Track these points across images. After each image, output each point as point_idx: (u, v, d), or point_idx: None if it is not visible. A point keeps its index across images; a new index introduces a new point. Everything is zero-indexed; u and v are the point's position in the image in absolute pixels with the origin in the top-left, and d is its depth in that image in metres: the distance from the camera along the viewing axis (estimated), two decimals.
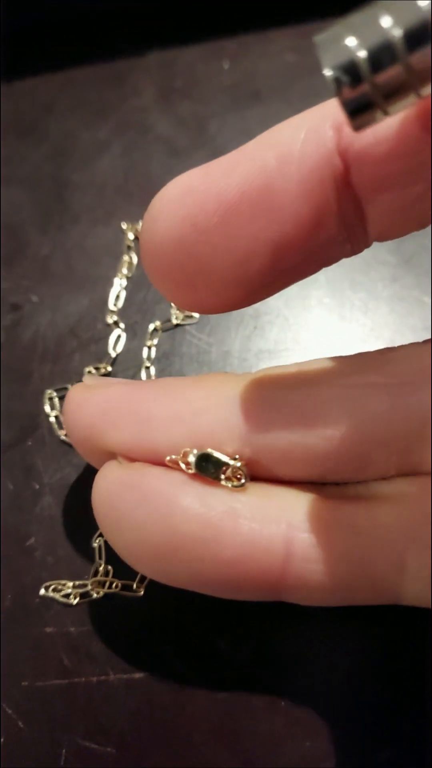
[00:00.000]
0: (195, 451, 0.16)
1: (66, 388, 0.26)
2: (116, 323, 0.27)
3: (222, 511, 0.16)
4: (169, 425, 0.17)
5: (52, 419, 0.26)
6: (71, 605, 0.23)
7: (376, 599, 0.17)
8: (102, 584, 0.23)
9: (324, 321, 0.27)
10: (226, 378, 0.18)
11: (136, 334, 0.27)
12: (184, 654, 0.22)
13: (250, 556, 0.16)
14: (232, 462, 0.16)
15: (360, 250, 0.16)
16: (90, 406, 0.18)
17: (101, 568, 0.23)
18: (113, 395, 0.18)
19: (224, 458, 0.16)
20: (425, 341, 0.18)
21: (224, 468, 0.16)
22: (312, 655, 0.22)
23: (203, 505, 0.16)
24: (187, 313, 0.27)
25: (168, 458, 0.16)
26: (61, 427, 0.25)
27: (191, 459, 0.16)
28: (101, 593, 0.23)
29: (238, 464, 0.16)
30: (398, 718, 0.21)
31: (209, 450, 0.16)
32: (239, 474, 0.17)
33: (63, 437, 0.25)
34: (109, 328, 0.27)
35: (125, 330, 0.27)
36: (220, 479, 0.16)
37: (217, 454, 0.16)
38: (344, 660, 0.22)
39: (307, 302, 0.28)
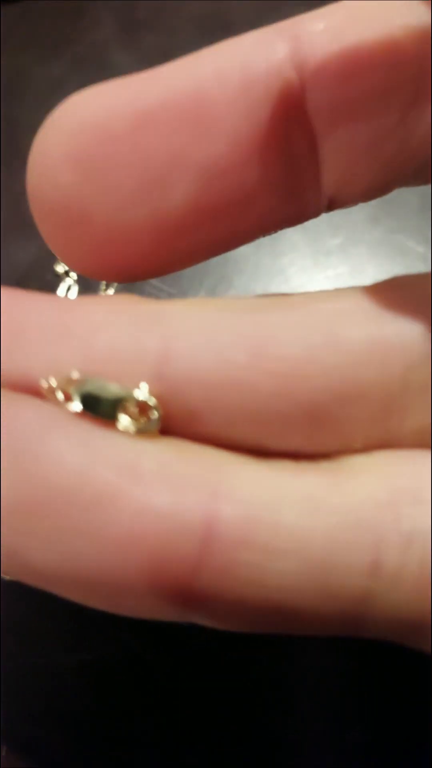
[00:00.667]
0: (79, 376, 0.11)
1: None
2: (67, 273, 0.25)
3: (116, 463, 0.10)
4: (52, 340, 0.11)
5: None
6: (22, 584, 0.21)
7: (328, 623, 0.11)
8: None
9: (297, 268, 0.25)
10: (141, 299, 0.12)
11: (89, 285, 0.25)
12: (139, 632, 0.20)
13: (153, 534, 0.10)
14: (136, 395, 0.11)
15: (306, 215, 0.13)
16: None
17: None
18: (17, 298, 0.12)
19: (124, 390, 0.11)
20: (416, 274, 0.13)
21: (124, 404, 0.11)
22: (278, 633, 0.20)
23: (87, 451, 0.10)
24: None
25: (43, 382, 0.11)
26: None
27: (73, 389, 0.10)
28: None
29: (146, 397, 0.11)
30: (368, 697, 0.19)
31: (101, 381, 0.11)
32: (147, 413, 0.11)
33: None
34: (59, 279, 0.25)
35: (77, 281, 0.25)
36: (115, 420, 0.11)
37: (113, 386, 0.11)
38: (313, 639, 0.20)
39: (279, 248, 0.25)
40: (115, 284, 0.25)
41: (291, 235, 0.25)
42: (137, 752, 0.19)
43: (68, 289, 0.24)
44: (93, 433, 0.10)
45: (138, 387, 0.11)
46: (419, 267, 0.24)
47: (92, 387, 0.10)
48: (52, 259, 0.25)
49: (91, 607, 0.11)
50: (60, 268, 0.25)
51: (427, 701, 0.19)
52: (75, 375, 0.10)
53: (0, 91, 0.30)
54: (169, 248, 0.12)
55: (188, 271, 0.25)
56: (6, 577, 0.19)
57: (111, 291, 0.24)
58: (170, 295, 0.24)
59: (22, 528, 0.10)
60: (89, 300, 0.12)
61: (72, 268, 0.13)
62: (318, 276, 0.25)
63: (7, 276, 0.25)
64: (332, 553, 0.10)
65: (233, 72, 0.11)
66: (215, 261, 0.25)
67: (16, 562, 0.10)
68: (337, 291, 0.12)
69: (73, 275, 0.25)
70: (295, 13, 0.30)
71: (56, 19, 0.32)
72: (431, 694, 0.19)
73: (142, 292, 0.25)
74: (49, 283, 0.25)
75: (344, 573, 0.10)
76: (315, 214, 0.13)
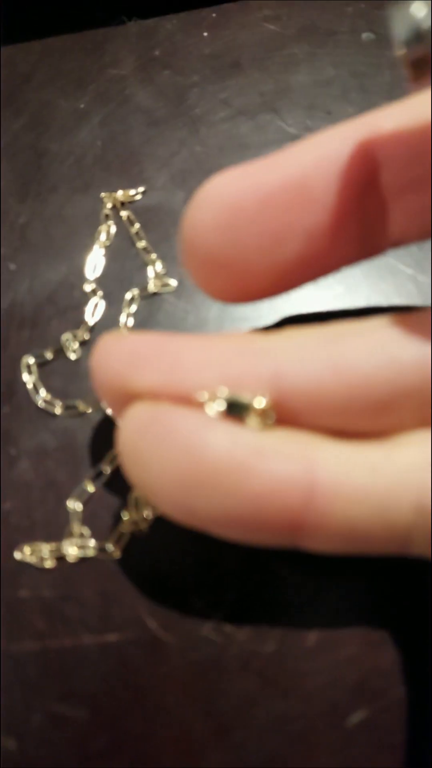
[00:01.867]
0: (223, 391, 0.17)
1: (43, 355, 0.26)
2: (94, 291, 0.27)
3: (249, 448, 0.16)
4: (199, 369, 0.17)
5: (30, 386, 0.25)
6: (46, 569, 0.23)
7: (388, 544, 0.17)
8: (77, 547, 0.23)
9: (298, 289, 0.27)
10: (254, 333, 0.19)
11: (113, 302, 0.27)
12: (159, 615, 0.22)
13: (274, 491, 0.16)
14: (259, 404, 0.17)
15: (376, 252, 0.19)
16: (119, 351, 0.18)
17: (76, 531, 0.23)
18: (143, 341, 0.18)
19: (252, 400, 0.17)
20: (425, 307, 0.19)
21: (251, 410, 0.17)
22: (287, 616, 0.22)
23: (230, 441, 0.16)
24: (165, 281, 0.27)
25: (195, 397, 0.17)
26: (37, 393, 0.25)
27: (219, 401, 0.17)
28: (76, 556, 0.23)
29: (265, 405, 0.17)
30: (374, 678, 0.21)
31: (237, 394, 0.17)
32: (267, 415, 0.17)
33: (40, 404, 0.25)
34: (86, 296, 0.27)
35: (103, 298, 0.27)
36: (245, 420, 0.17)
37: (245, 397, 0.17)
38: (320, 621, 0.22)
39: None
40: (138, 301, 0.27)
41: None
42: (158, 730, 0.21)
43: (95, 306, 0.27)
44: (232, 428, 0.16)
45: (260, 399, 0.17)
46: (408, 286, 0.27)
47: (230, 398, 0.17)
48: (80, 280, 0.27)
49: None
50: (87, 287, 0.27)
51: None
52: (221, 391, 0.17)
53: (28, 122, 0.32)
54: (281, 282, 0.19)
55: (202, 293, 0.27)
56: (69, 557, 0.22)
57: (134, 306, 0.27)
58: (186, 312, 0.27)
59: (193, 492, 0.16)
60: (220, 337, 0.19)
61: (210, 295, 0.20)
62: (317, 294, 0.27)
63: (39, 293, 0.27)
64: (389, 500, 0.16)
65: (328, 160, 0.17)
66: None
67: (189, 515, 0.17)
68: (386, 320, 0.18)
69: (99, 293, 0.27)
70: (300, 52, 0.33)
71: (79, 56, 0.34)
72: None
73: (159, 309, 0.27)
74: (77, 300, 0.27)
75: (397, 512, 0.16)
76: (382, 251, 0.19)
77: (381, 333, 0.17)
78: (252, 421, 0.17)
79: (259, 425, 0.17)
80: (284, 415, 0.17)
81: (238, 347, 0.17)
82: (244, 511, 0.16)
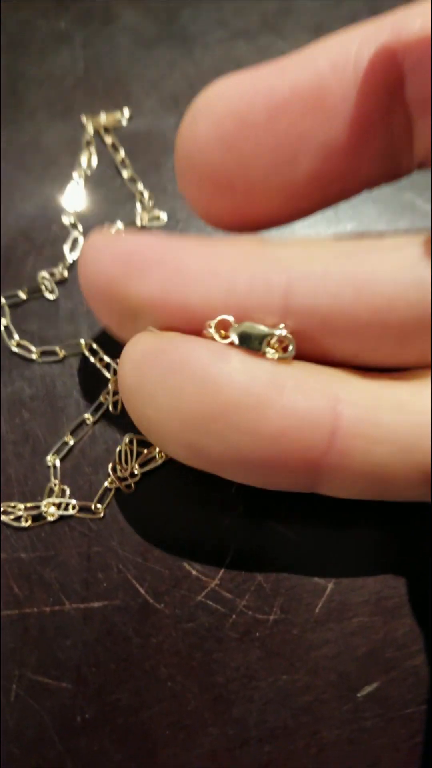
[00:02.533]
0: (233, 321, 0.15)
1: (16, 296, 0.23)
2: (74, 225, 0.24)
3: (266, 380, 0.14)
4: (204, 279, 0.15)
5: (2, 329, 0.23)
6: (23, 529, 0.20)
7: (412, 489, 0.15)
8: (57, 506, 0.20)
9: (305, 223, 0.24)
10: (264, 240, 0.16)
11: None
12: (150, 580, 0.20)
13: (296, 428, 0.14)
14: (277, 332, 0.14)
15: (400, 174, 0.16)
16: (113, 253, 0.15)
17: (56, 489, 0.21)
18: (140, 242, 0.15)
19: (269, 329, 0.15)
20: None
21: (268, 339, 0.15)
22: (290, 581, 0.20)
23: (246, 373, 0.14)
24: (154, 213, 0.24)
25: (205, 329, 0.15)
26: (10, 337, 0.23)
27: (232, 332, 0.14)
28: (56, 515, 0.20)
29: (284, 333, 0.14)
30: (382, 649, 0.19)
31: (251, 323, 0.15)
32: (285, 344, 0.15)
33: (14, 348, 0.22)
34: (65, 231, 0.24)
35: (84, 233, 0.24)
36: (263, 351, 0.15)
37: (260, 327, 0.15)
38: (325, 587, 0.20)
39: None
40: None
41: None
42: (150, 703, 0.19)
43: (74, 240, 0.24)
44: (249, 359, 0.14)
45: (278, 326, 0.15)
46: (425, 223, 0.24)
47: (246, 327, 0.14)
48: (59, 212, 0.25)
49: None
50: (66, 220, 0.24)
51: None
52: (231, 319, 0.15)
53: (3, 44, 0.29)
54: (292, 207, 0.16)
55: (195, 225, 0.25)
56: (48, 517, 0.19)
57: None
58: None
59: (205, 430, 0.14)
60: (227, 242, 0.16)
61: (210, 223, 0.17)
62: (326, 231, 0.24)
63: (13, 226, 0.24)
64: (416, 440, 0.14)
65: (346, 64, 0.14)
66: None
67: (197, 456, 0.15)
68: (418, 237, 0.15)
69: (80, 227, 0.24)
70: None
71: None
72: None
73: None
74: (54, 234, 0.24)
75: (423, 453, 0.14)
76: (407, 173, 0.16)
77: (408, 251, 0.15)
78: (269, 353, 0.15)
79: (276, 357, 0.15)
80: (297, 336, 0.15)
81: (248, 254, 0.15)
82: (261, 450, 0.14)
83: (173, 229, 0.24)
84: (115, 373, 0.22)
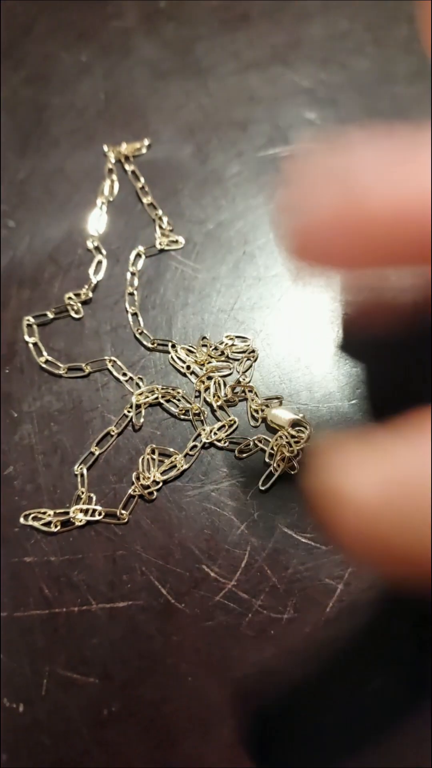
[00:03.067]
0: None
1: (45, 315, 0.25)
2: (97, 248, 0.26)
3: None
4: None
5: (31, 346, 0.24)
6: (52, 534, 0.22)
7: None
8: (84, 512, 0.22)
9: None
10: None
11: (118, 260, 0.26)
12: (171, 581, 0.21)
13: None
14: None
15: None
16: None
17: (83, 496, 0.22)
18: None
19: None
20: None
21: None
22: (303, 582, 0.21)
23: None
24: (172, 237, 0.26)
25: None
26: (40, 354, 0.24)
27: None
28: (83, 521, 0.22)
29: None
30: (393, 645, 0.21)
31: None
32: None
33: (42, 364, 0.24)
34: (89, 254, 0.26)
35: (107, 256, 0.26)
36: None
37: None
38: (335, 588, 0.21)
39: None
40: (144, 259, 0.26)
41: None
42: (171, 698, 0.20)
43: (98, 263, 0.26)
44: None
45: None
46: None
47: None
48: (83, 237, 0.26)
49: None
50: (90, 244, 0.26)
51: None
52: None
53: (29, 76, 0.31)
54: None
55: (211, 248, 0.26)
56: (76, 522, 0.21)
57: (140, 264, 0.26)
58: (195, 270, 0.26)
59: None
60: None
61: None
62: None
63: (39, 251, 0.26)
64: None
65: None
66: (237, 239, 0.26)
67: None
68: None
69: (103, 251, 0.26)
70: (312, 4, 0.32)
71: (81, 8, 0.33)
72: None
73: (167, 267, 0.26)
74: (79, 258, 0.26)
75: None
76: None
77: None
78: None
79: None
80: None
81: None
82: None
83: (190, 253, 0.26)
84: (137, 386, 0.23)
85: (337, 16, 0.31)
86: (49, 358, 0.24)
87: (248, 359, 0.24)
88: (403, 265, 0.14)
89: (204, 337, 0.24)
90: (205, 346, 0.24)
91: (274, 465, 0.22)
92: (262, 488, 0.22)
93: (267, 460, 0.22)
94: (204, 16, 0.32)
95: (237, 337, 0.24)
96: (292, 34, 0.31)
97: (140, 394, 0.23)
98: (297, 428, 0.22)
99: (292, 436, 0.22)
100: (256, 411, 0.23)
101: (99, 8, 0.33)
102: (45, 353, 0.24)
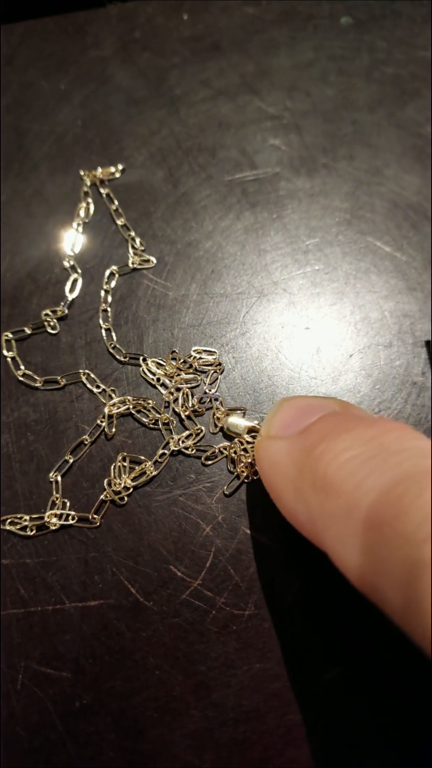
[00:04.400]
0: None
1: (23, 331, 0.26)
2: (73, 267, 0.27)
3: None
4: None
5: (9, 360, 0.26)
6: (28, 537, 0.23)
7: None
8: (58, 516, 0.23)
9: (279, 265, 0.28)
10: None
11: (93, 278, 0.28)
12: (140, 581, 0.23)
13: None
14: None
15: None
16: None
17: (58, 501, 0.23)
18: None
19: None
20: None
21: None
22: (264, 580, 0.22)
23: None
24: (144, 257, 0.28)
25: None
26: (17, 368, 0.26)
27: None
28: (57, 525, 0.23)
29: None
30: (346, 637, 0.22)
31: None
32: None
33: (20, 377, 0.25)
34: (66, 272, 0.27)
35: (82, 274, 0.27)
36: None
37: None
38: (295, 583, 0.22)
39: (263, 247, 0.28)
40: (117, 277, 0.27)
41: (273, 235, 0.28)
42: (140, 690, 0.22)
43: (74, 281, 0.27)
44: None
45: None
46: (387, 264, 0.27)
47: None
48: (60, 256, 0.28)
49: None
50: (66, 263, 0.28)
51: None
52: None
53: (9, 103, 0.32)
54: None
55: (181, 267, 0.28)
56: (51, 526, 0.22)
57: (113, 282, 0.27)
58: (166, 288, 0.27)
59: None
60: None
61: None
62: (297, 272, 0.27)
63: (20, 269, 0.28)
64: None
65: None
66: (206, 258, 0.28)
67: None
68: None
69: (78, 270, 0.27)
70: (279, 36, 0.34)
71: (60, 38, 0.34)
72: None
73: (139, 285, 0.27)
74: (56, 276, 0.28)
75: None
76: None
77: None
78: None
79: None
80: None
81: None
82: None
83: (161, 272, 0.28)
84: (110, 398, 0.25)
85: (302, 46, 0.33)
86: (27, 372, 0.26)
87: (215, 372, 0.25)
88: None
89: (173, 351, 0.26)
90: (175, 359, 0.26)
91: (238, 470, 0.24)
92: (227, 493, 0.23)
93: (230, 466, 0.24)
94: (176, 47, 0.34)
95: (204, 350, 0.26)
96: (260, 63, 0.33)
97: (113, 405, 0.25)
98: (252, 434, 0.24)
99: (248, 442, 0.24)
100: (218, 419, 0.24)
101: (78, 38, 0.34)
102: (22, 367, 0.26)
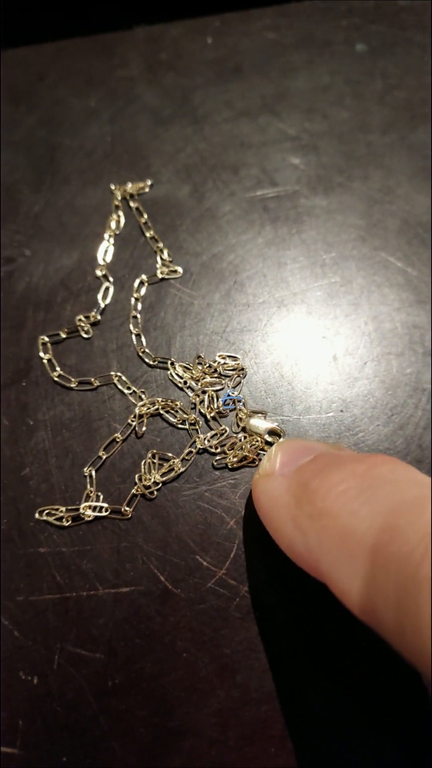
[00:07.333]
0: None
1: (58, 335, 0.28)
2: (105, 276, 0.29)
3: None
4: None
5: (45, 362, 0.27)
6: (64, 528, 0.25)
7: None
8: (92, 509, 0.25)
9: (298, 277, 0.29)
10: None
11: (123, 287, 0.29)
12: (169, 569, 0.24)
13: None
14: None
15: None
16: None
17: (92, 494, 0.25)
18: None
19: None
20: None
21: None
22: (284, 572, 0.24)
23: None
24: (171, 268, 0.29)
25: None
26: (53, 369, 0.27)
27: None
28: (91, 517, 0.25)
29: None
30: (363, 625, 0.24)
31: None
32: None
33: (55, 378, 0.27)
34: (98, 281, 0.29)
35: (113, 283, 0.29)
36: None
37: None
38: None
39: (282, 260, 0.30)
40: (146, 286, 0.29)
41: (292, 249, 0.30)
42: (168, 672, 0.23)
43: (106, 289, 0.29)
44: None
45: None
46: (398, 279, 0.29)
47: None
48: (92, 266, 0.30)
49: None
50: (98, 272, 0.29)
51: None
52: None
53: (42, 118, 0.34)
54: None
55: (206, 277, 0.30)
56: (85, 517, 0.24)
57: (143, 291, 0.29)
58: (192, 297, 0.29)
59: None
60: None
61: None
62: (315, 284, 0.29)
63: (54, 277, 0.29)
64: None
65: None
66: (229, 269, 0.29)
67: None
68: None
69: (110, 278, 0.29)
70: (298, 60, 0.36)
71: (90, 57, 0.36)
72: None
73: (167, 294, 0.29)
74: (89, 284, 0.29)
75: None
76: None
77: None
78: None
79: None
80: None
81: None
82: None
83: (188, 282, 0.29)
84: (140, 399, 0.27)
85: (320, 71, 0.35)
86: (62, 373, 0.27)
87: (238, 376, 0.27)
88: None
89: (199, 356, 0.28)
90: (200, 364, 0.27)
91: (247, 453, 0.25)
92: (251, 488, 0.25)
93: (237, 453, 0.25)
94: (200, 68, 0.36)
95: (228, 356, 0.28)
96: (279, 86, 0.35)
97: (143, 406, 0.26)
98: (273, 436, 0.26)
99: (267, 443, 0.25)
100: (240, 420, 0.26)
101: (106, 58, 0.36)
102: (58, 368, 0.27)
